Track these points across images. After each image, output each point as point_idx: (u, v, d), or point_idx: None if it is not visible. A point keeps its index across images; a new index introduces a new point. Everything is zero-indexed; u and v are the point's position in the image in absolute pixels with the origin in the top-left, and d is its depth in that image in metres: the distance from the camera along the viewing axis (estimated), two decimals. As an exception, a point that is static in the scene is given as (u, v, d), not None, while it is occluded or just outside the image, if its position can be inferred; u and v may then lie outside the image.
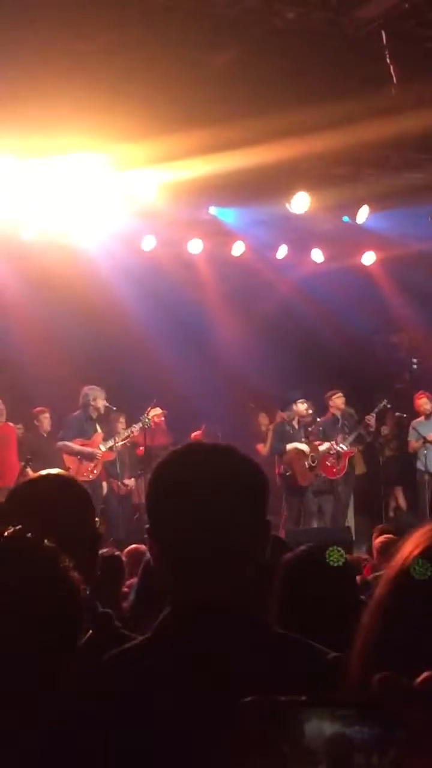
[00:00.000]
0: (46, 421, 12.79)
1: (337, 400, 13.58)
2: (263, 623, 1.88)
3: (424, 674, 0.82)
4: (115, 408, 12.64)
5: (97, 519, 2.63)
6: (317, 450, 13.12)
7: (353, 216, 13.31)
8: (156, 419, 13.11)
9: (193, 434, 14.38)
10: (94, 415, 12.44)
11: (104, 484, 12.77)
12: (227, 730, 0.82)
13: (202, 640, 1.76)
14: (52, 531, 2.36)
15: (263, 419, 15.09)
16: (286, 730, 0.79)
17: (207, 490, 1.84)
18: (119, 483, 12.85)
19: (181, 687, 1.72)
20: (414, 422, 13.65)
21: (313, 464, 13.07)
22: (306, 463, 13.07)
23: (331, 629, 2.82)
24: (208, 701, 1.67)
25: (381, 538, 8.15)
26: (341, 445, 13.35)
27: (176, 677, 1.74)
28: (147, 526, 1.93)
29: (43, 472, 2.74)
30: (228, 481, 1.87)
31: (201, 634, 1.77)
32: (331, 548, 1.51)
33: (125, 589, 5.79)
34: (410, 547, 1.17)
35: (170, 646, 1.80)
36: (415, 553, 1.15)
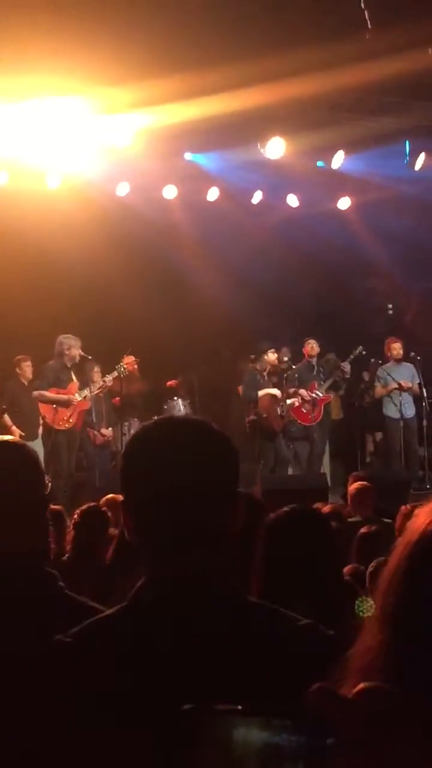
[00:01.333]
0: (28, 369, 12.71)
1: (309, 347, 13.61)
2: (237, 594, 1.91)
3: (359, 686, 0.84)
4: (90, 357, 12.59)
5: (49, 482, 2.63)
6: (286, 400, 13.17)
7: (328, 161, 13.24)
8: (129, 367, 13.09)
9: (169, 382, 14.41)
10: (69, 364, 12.39)
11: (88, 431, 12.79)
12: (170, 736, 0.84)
13: (175, 610, 1.79)
14: (6, 497, 2.39)
15: (242, 364, 15.09)
16: (217, 739, 0.80)
17: (178, 464, 1.87)
18: (95, 432, 12.85)
19: (153, 658, 1.75)
20: (383, 367, 13.65)
21: (282, 413, 13.12)
22: (278, 409, 13.12)
23: (315, 591, 2.87)
24: (179, 670, 1.71)
25: (356, 485, 8.21)
26: (316, 391, 13.40)
27: (149, 647, 1.77)
28: (122, 500, 1.96)
29: None
30: (199, 454, 1.89)
31: (174, 605, 1.80)
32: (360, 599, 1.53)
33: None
34: (424, 517, 1.18)
35: (144, 617, 1.83)
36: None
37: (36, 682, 1.86)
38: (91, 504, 6.05)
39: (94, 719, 1.73)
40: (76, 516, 5.77)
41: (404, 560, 1.15)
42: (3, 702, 1.97)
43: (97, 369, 12.87)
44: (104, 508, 6.12)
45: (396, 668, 0.98)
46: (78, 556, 5.52)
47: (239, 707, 0.82)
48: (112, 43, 8.72)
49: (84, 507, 5.86)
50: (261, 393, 13.18)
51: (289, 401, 13.20)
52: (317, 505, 7.65)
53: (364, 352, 13.90)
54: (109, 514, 5.98)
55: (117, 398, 13.12)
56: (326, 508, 7.65)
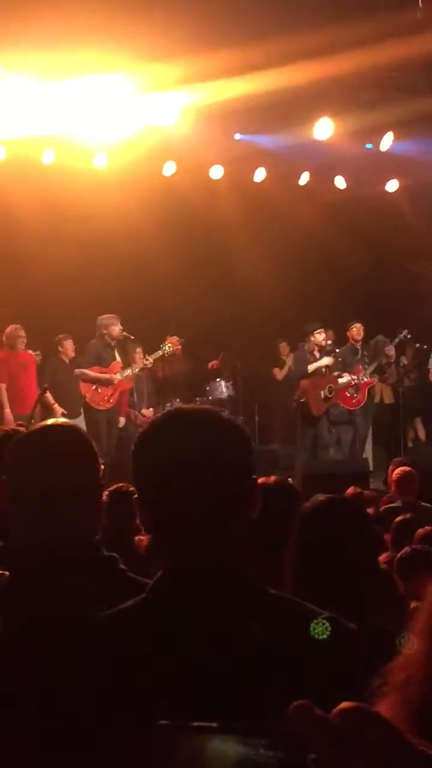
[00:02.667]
0: (70, 347, 12.73)
1: (354, 331, 13.49)
2: (256, 585, 1.88)
3: (340, 705, 0.82)
4: (132, 337, 12.57)
5: (102, 466, 2.60)
6: (336, 381, 13.05)
7: (377, 142, 13.08)
8: (173, 347, 13.06)
9: (210, 363, 14.36)
10: (112, 343, 12.39)
11: (122, 418, 12.75)
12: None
13: (193, 602, 1.79)
14: (56, 481, 2.36)
15: (284, 348, 15.02)
16: (191, 754, 0.79)
17: (191, 455, 1.85)
18: (137, 413, 12.83)
19: (170, 651, 1.74)
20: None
21: (329, 395, 13.01)
22: (322, 392, 13.01)
23: (350, 582, 2.81)
24: (196, 663, 1.69)
25: (397, 471, 8.12)
26: (361, 375, 13.27)
27: (167, 640, 1.76)
28: (135, 495, 1.95)
29: (50, 422, 2.69)
30: (212, 444, 1.88)
31: (192, 598, 1.79)
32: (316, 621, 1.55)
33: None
34: None
35: (162, 609, 1.82)
36: None
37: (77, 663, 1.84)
38: (121, 485, 5.77)
39: (106, 711, 1.70)
40: (104, 497, 5.66)
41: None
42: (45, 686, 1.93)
43: (139, 349, 12.85)
44: (132, 489, 6.01)
45: None
46: (106, 539, 5.44)
47: (214, 725, 0.81)
48: (159, 19, 8.65)
49: (113, 488, 5.70)
50: (312, 367, 13.06)
51: (342, 380, 13.07)
52: (350, 490, 7.59)
53: (408, 336, 13.75)
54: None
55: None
56: (349, 491, 7.58)
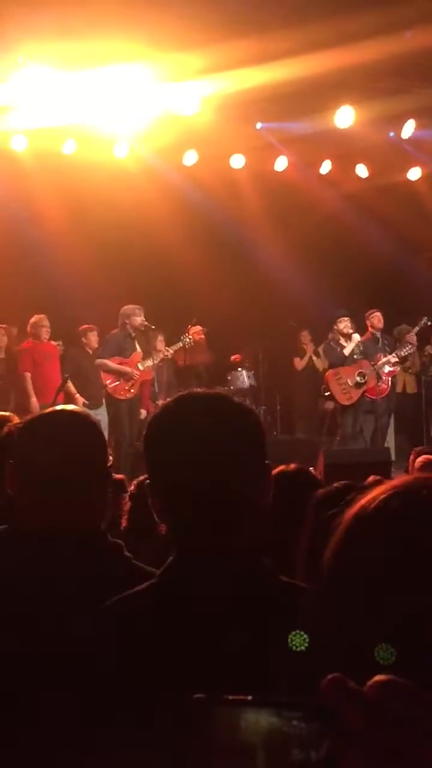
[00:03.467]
0: (93, 338, 12.75)
1: (374, 319, 13.42)
2: (267, 570, 1.87)
3: (374, 678, 0.82)
4: (153, 327, 12.58)
5: (110, 456, 2.61)
6: (367, 366, 13.01)
7: (398, 130, 13.00)
8: (196, 336, 13.06)
9: (233, 356, 14.34)
10: (133, 333, 12.40)
11: (143, 410, 12.75)
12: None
13: (203, 590, 1.77)
14: (62, 466, 2.37)
15: (305, 337, 14.97)
16: (225, 725, 0.80)
17: (203, 440, 1.84)
18: (155, 403, 12.85)
19: (181, 633, 1.73)
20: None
21: (362, 381, 12.97)
22: (349, 380, 12.98)
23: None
24: (206, 648, 1.68)
25: (419, 460, 8.06)
26: (383, 365, 13.21)
27: (178, 625, 1.75)
28: (146, 480, 1.94)
29: (58, 408, 2.71)
30: (223, 428, 1.87)
31: (202, 584, 1.78)
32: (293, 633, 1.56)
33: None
34: (369, 496, 1.17)
35: (174, 594, 1.82)
36: (373, 504, 1.15)
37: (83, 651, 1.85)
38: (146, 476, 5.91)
39: (119, 694, 1.71)
40: (132, 487, 5.71)
41: (336, 542, 1.17)
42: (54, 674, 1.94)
43: (161, 338, 12.84)
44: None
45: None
46: (133, 528, 5.48)
47: (249, 698, 0.82)
48: (180, 8, 8.62)
49: (141, 478, 5.77)
50: (347, 351, 13.04)
51: (385, 366, 13.04)
52: (370, 479, 7.54)
53: (430, 323, 13.64)
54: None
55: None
56: (369, 480, 7.51)
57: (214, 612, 1.73)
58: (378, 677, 0.82)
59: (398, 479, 1.20)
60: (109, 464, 2.56)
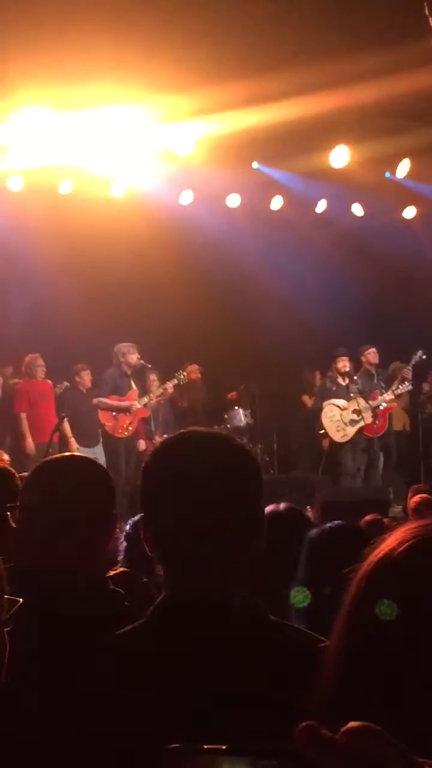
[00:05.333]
0: (87, 377, 12.75)
1: (369, 355, 13.44)
2: (259, 612, 1.86)
3: (347, 725, 0.82)
4: (149, 366, 12.58)
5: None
6: (359, 403, 12.99)
7: (394, 170, 13.10)
8: (192, 375, 13.07)
9: (230, 395, 14.32)
10: (129, 371, 12.40)
11: (141, 441, 12.74)
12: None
13: (193, 629, 1.77)
14: (66, 511, 2.39)
15: (317, 377, 14.89)
16: None
17: (200, 479, 1.84)
18: (152, 440, 12.83)
19: (170, 673, 1.73)
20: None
21: (357, 418, 12.95)
22: (342, 417, 12.97)
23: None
24: (195, 688, 1.68)
25: (416, 498, 8.05)
26: (379, 401, 13.21)
27: (169, 664, 1.74)
28: (141, 515, 1.95)
29: (67, 454, 2.77)
30: (221, 469, 1.86)
31: (192, 624, 1.78)
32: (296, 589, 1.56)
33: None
34: (393, 540, 1.17)
35: (164, 633, 1.81)
36: (400, 548, 1.15)
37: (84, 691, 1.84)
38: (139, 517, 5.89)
39: (108, 734, 1.70)
40: (128, 527, 5.67)
41: (357, 591, 1.17)
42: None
43: (153, 377, 12.83)
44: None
45: (340, 704, 0.99)
46: (129, 569, 5.44)
47: (224, 747, 0.81)
48: (174, 51, 8.70)
49: (137, 518, 5.73)
50: (325, 404, 13.06)
51: (381, 404, 13.04)
52: (368, 517, 7.52)
53: (424, 357, 13.62)
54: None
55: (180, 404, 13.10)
56: (366, 518, 7.49)
57: (203, 651, 1.72)
58: (351, 724, 0.82)
59: (414, 523, 1.20)
60: (114, 512, 2.57)
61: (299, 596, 1.62)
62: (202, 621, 1.76)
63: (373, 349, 13.42)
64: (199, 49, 8.71)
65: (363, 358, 13.45)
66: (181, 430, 2.01)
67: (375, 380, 13.34)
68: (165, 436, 12.78)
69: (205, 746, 0.81)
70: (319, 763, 0.79)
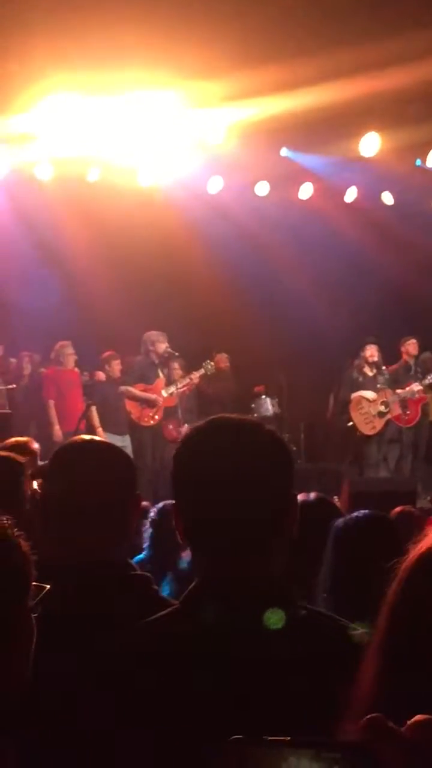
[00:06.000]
0: (116, 365, 12.75)
1: (410, 346, 13.34)
2: (289, 600, 1.83)
3: (414, 719, 0.81)
4: (177, 354, 12.56)
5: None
6: (389, 395, 12.90)
7: (425, 158, 12.97)
8: (221, 364, 13.03)
9: (257, 387, 14.26)
10: (156, 360, 12.38)
11: (169, 430, 12.70)
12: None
13: (226, 615, 1.75)
14: (86, 496, 2.36)
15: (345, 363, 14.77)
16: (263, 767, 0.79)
17: (230, 466, 1.82)
18: (179, 430, 12.80)
19: (201, 662, 1.72)
20: None
21: (385, 410, 12.86)
22: (370, 410, 12.88)
23: (379, 601, 2.74)
24: (227, 677, 1.67)
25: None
26: (407, 390, 13.10)
27: (197, 652, 1.74)
28: (173, 501, 1.94)
29: (86, 438, 2.73)
30: (253, 457, 1.85)
31: (225, 610, 1.76)
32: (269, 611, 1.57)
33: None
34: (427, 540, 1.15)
35: (194, 620, 1.79)
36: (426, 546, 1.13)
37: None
38: (168, 502, 5.93)
39: (144, 719, 1.69)
40: (153, 513, 5.67)
41: (400, 586, 1.15)
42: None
43: (176, 365, 12.76)
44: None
45: (388, 702, 0.95)
46: (155, 556, 5.43)
47: (288, 738, 0.80)
48: (204, 35, 8.63)
49: (161, 505, 5.75)
50: (353, 396, 12.98)
51: (413, 395, 12.93)
52: (397, 509, 7.44)
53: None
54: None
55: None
56: (396, 510, 7.41)
57: (236, 639, 1.72)
58: (417, 717, 0.82)
59: None
60: (138, 495, 2.54)
61: (273, 618, 1.62)
62: (235, 608, 1.75)
63: (413, 340, 13.32)
64: (228, 34, 8.63)
65: (402, 348, 13.36)
66: (211, 417, 1.99)
67: (412, 371, 13.23)
68: (185, 426, 12.83)
69: (269, 738, 0.80)
70: (384, 756, 0.79)
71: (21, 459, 3.90)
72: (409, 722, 0.81)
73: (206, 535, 1.85)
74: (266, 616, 1.70)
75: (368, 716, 0.81)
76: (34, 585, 1.62)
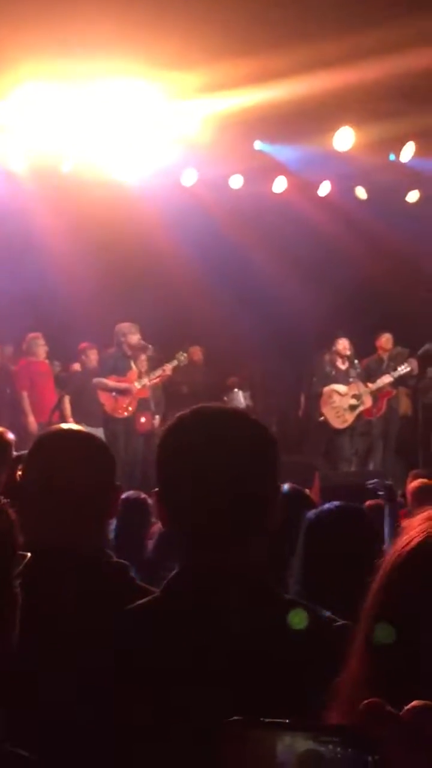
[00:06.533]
0: (93, 356, 12.74)
1: (384, 341, 13.42)
2: (270, 588, 1.87)
3: (412, 703, 0.82)
4: (150, 346, 12.54)
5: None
6: (359, 388, 12.95)
7: (398, 153, 13.02)
8: (194, 356, 13.02)
9: (230, 380, 14.26)
10: (129, 352, 12.37)
11: (141, 421, 12.67)
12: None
13: (206, 603, 1.77)
14: (72, 484, 2.36)
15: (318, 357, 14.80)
16: (260, 748, 0.80)
17: (215, 455, 1.83)
18: (153, 421, 12.76)
19: (183, 648, 1.73)
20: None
21: (356, 403, 12.90)
22: (342, 404, 12.91)
23: (352, 592, 2.75)
24: (206, 664, 1.69)
25: (415, 483, 8.01)
26: (378, 384, 13.16)
27: (179, 638, 1.75)
28: (157, 490, 1.93)
29: (65, 427, 2.78)
30: (237, 445, 1.85)
31: (206, 598, 1.78)
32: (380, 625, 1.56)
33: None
34: (413, 533, 1.17)
35: (176, 607, 1.82)
36: (416, 540, 1.15)
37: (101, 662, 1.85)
38: (131, 493, 5.95)
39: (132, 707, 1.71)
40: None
41: (388, 577, 1.16)
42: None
43: (143, 357, 12.64)
44: (144, 497, 6.03)
45: (373, 688, 0.96)
46: (120, 546, 5.43)
47: (287, 721, 0.82)
48: (179, 26, 8.60)
49: (125, 496, 5.76)
50: (326, 389, 13.01)
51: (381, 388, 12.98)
52: (369, 503, 7.47)
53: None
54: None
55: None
56: (368, 504, 7.46)
57: (217, 626, 1.73)
58: (416, 702, 0.83)
59: None
60: (118, 485, 2.54)
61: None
62: (216, 596, 1.76)
63: (387, 335, 13.46)
64: (204, 26, 8.61)
65: (377, 343, 13.46)
66: (195, 406, 1.99)
67: (384, 365, 13.32)
68: (157, 418, 12.78)
69: (267, 720, 0.81)
70: (383, 740, 0.80)
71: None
72: (407, 707, 0.82)
73: (188, 524, 1.85)
74: (290, 617, 1.71)
75: (367, 701, 0.82)
76: (19, 554, 1.62)
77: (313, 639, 1.73)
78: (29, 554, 1.68)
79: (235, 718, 0.81)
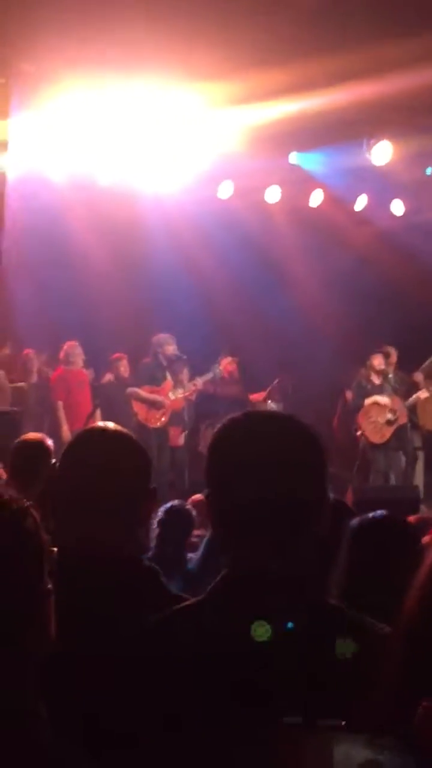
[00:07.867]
0: (124, 367, 12.77)
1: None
2: (318, 595, 1.87)
3: None
4: (185, 357, 12.56)
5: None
6: (399, 404, 12.89)
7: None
8: (228, 367, 13.03)
9: (257, 394, 14.20)
10: (165, 362, 12.39)
11: (174, 434, 12.68)
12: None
13: (251, 608, 1.76)
14: (96, 484, 2.34)
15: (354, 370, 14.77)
16: (316, 752, 0.79)
17: (266, 460, 1.83)
18: (185, 433, 12.77)
19: (229, 651, 1.73)
20: None
21: (393, 418, 12.84)
22: (380, 418, 12.86)
23: (397, 599, 2.74)
24: (255, 668, 1.67)
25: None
26: (413, 399, 13.09)
27: (225, 641, 1.74)
28: (206, 493, 1.93)
29: (100, 424, 2.77)
30: (288, 451, 1.85)
31: (251, 603, 1.77)
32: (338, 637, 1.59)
33: (194, 539, 5.89)
34: None
35: (222, 610, 1.81)
36: None
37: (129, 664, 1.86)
38: (176, 502, 6.02)
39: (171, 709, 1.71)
40: (161, 513, 5.70)
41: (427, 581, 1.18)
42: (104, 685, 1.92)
43: (185, 371, 12.72)
44: (189, 507, 6.07)
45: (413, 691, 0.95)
46: (162, 555, 5.45)
47: (342, 723, 0.83)
48: (216, 37, 8.63)
49: (168, 505, 5.80)
50: (368, 401, 12.95)
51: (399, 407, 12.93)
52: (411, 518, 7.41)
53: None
54: (194, 513, 5.94)
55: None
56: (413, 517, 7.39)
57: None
58: None
59: None
60: (152, 487, 2.50)
61: (343, 647, 1.63)
62: (264, 601, 1.76)
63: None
64: (239, 36, 8.64)
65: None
66: (246, 411, 2.00)
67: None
68: (187, 432, 12.75)
69: (323, 723, 0.84)
70: None
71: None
72: None
73: (238, 526, 1.85)
74: (253, 629, 1.71)
75: (424, 704, 0.82)
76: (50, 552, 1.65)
77: (358, 645, 1.70)
78: (57, 552, 1.69)
79: (290, 719, 0.81)
